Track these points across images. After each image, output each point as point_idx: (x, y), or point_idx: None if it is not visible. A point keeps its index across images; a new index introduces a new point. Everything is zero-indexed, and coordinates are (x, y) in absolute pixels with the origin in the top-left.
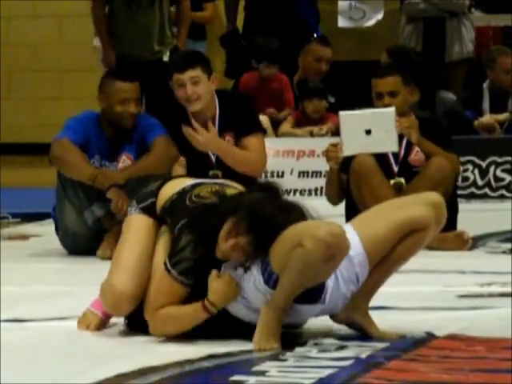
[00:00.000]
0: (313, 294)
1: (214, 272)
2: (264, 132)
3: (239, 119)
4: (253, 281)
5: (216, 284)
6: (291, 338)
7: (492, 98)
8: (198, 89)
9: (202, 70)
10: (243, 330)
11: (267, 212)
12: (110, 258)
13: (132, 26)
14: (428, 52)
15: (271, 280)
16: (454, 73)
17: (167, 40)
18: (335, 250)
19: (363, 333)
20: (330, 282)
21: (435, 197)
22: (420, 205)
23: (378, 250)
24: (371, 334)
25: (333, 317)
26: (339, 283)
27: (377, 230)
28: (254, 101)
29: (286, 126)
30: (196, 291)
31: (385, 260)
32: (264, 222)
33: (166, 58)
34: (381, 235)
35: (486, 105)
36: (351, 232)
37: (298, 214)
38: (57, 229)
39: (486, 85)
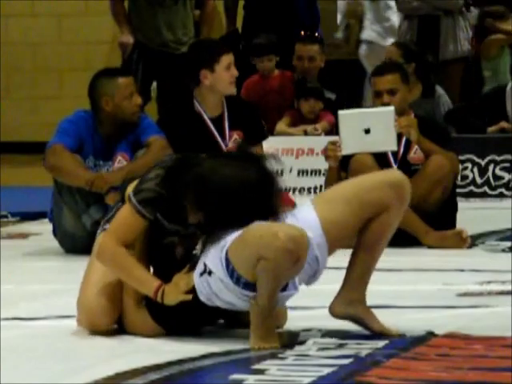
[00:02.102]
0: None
1: (183, 271)
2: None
3: (247, 123)
4: (224, 286)
5: (178, 283)
6: (291, 336)
7: None
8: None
9: None
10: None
11: (216, 182)
12: None
13: (153, 24)
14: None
15: (240, 282)
16: (448, 71)
17: (188, 40)
18: (298, 253)
19: (364, 327)
20: None
21: (396, 175)
22: (380, 186)
23: (338, 232)
24: (372, 329)
25: (332, 312)
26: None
27: (337, 212)
28: (259, 105)
29: (281, 125)
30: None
31: (361, 248)
32: (212, 196)
33: None
34: (340, 218)
35: (509, 107)
36: (311, 214)
37: (252, 184)
38: (54, 231)
39: (509, 86)
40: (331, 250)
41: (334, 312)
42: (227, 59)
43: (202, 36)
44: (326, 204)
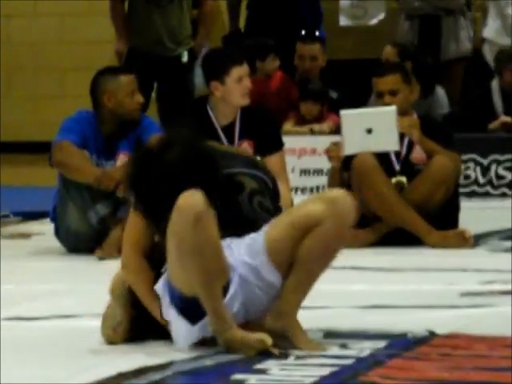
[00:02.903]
0: None
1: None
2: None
3: (260, 132)
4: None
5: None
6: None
7: (505, 98)
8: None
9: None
10: None
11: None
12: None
13: (150, 24)
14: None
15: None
16: (450, 71)
17: (184, 40)
18: (193, 210)
19: (290, 343)
20: (232, 290)
21: (334, 192)
22: (314, 200)
23: (278, 252)
24: (297, 346)
25: (264, 325)
26: (249, 289)
27: (276, 233)
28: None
29: (287, 125)
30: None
31: (295, 262)
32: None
33: (184, 59)
34: (279, 238)
35: (498, 104)
36: (260, 239)
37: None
38: (57, 230)
39: (494, 83)
40: (278, 269)
41: (264, 325)
42: (238, 71)
43: (199, 36)
44: (274, 227)
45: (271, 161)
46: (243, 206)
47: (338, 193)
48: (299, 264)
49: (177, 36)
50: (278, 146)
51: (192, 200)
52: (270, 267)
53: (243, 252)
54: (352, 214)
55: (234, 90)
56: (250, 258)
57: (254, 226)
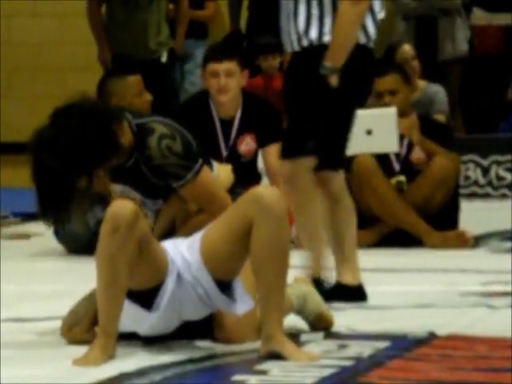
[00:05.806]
0: (146, 300)
1: None
2: None
3: (261, 124)
4: None
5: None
6: (293, 337)
7: None
8: (231, 81)
9: (237, 64)
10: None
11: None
12: None
13: (129, 25)
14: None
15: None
16: (447, 72)
17: (164, 40)
18: (116, 223)
19: (284, 359)
20: (168, 289)
21: (257, 189)
22: (242, 202)
23: (212, 254)
24: (290, 360)
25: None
26: (182, 287)
27: (212, 234)
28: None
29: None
30: None
31: (255, 279)
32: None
33: (163, 59)
34: (214, 240)
35: None
36: (197, 241)
37: None
38: (56, 231)
39: None
40: (211, 272)
41: (260, 353)
42: (212, 67)
43: (177, 37)
44: (212, 227)
45: (271, 150)
46: (152, 148)
47: (262, 189)
48: (259, 277)
49: (157, 36)
50: (278, 136)
51: (118, 209)
52: (201, 266)
53: (184, 246)
54: (278, 204)
55: (209, 85)
56: (188, 252)
57: (163, 170)
